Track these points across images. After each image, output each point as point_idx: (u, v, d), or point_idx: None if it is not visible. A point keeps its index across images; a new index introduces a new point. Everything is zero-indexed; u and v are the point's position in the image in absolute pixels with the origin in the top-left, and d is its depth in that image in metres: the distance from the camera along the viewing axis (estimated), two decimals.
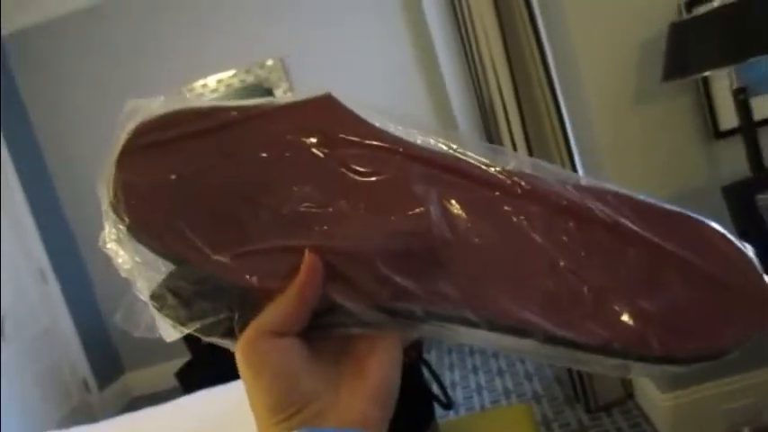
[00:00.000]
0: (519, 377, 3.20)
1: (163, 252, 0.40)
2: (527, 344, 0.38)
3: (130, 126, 0.41)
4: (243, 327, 0.39)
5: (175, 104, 0.43)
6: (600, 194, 0.42)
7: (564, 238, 0.40)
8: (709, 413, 2.25)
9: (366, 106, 0.44)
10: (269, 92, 4.45)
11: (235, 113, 0.42)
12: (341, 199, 0.40)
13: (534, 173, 0.42)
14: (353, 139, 0.42)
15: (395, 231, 0.39)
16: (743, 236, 0.42)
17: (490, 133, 3.20)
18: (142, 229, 0.40)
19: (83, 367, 4.43)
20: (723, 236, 0.41)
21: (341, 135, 0.42)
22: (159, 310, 0.40)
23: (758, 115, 2.05)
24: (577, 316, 0.38)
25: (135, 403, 4.54)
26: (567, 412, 2.74)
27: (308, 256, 0.38)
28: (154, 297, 0.40)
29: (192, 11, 4.44)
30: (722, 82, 2.03)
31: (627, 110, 2.14)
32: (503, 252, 0.39)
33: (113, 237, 0.41)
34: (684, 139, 2.13)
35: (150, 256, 0.40)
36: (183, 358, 4.25)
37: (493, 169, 0.41)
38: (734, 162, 2.03)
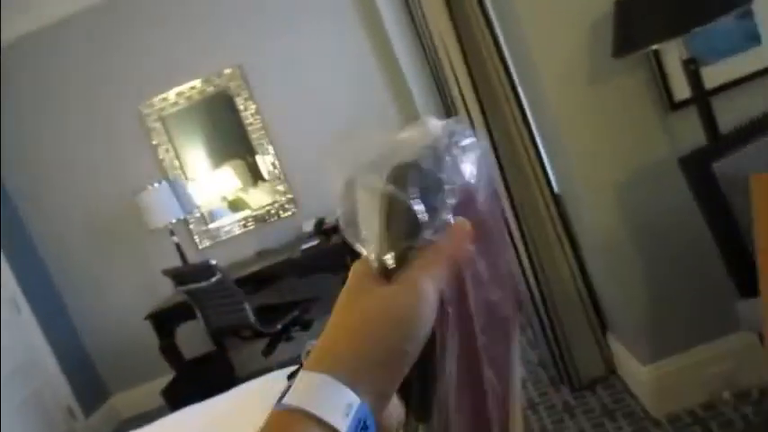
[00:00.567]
0: None
1: None
2: None
3: None
4: None
5: None
6: None
7: None
8: (689, 381, 2.28)
9: None
10: (230, 101, 4.41)
11: None
12: None
13: None
14: None
15: None
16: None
17: None
18: None
19: (66, 395, 4.37)
20: None
21: None
22: None
23: (711, 84, 2.07)
24: None
25: (124, 426, 4.49)
26: (551, 394, 2.76)
27: None
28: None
29: (148, 26, 4.39)
30: (673, 54, 2.05)
31: (582, 88, 2.15)
32: None
33: None
34: (641, 113, 2.15)
35: None
36: (168, 376, 4.22)
37: None
38: (691, 132, 2.05)
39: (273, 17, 4.32)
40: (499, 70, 2.51)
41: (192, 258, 4.43)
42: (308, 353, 0.39)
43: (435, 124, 0.44)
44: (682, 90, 2.08)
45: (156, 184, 4.17)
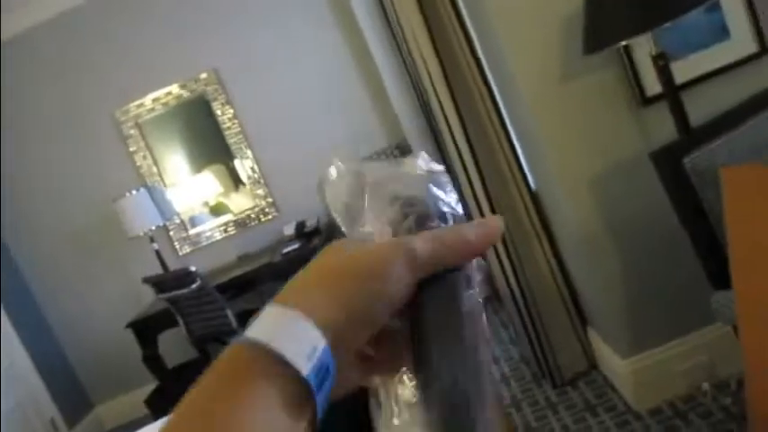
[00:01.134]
0: None
1: None
2: None
3: None
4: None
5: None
6: None
7: None
8: (668, 373, 2.29)
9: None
10: (207, 105, 4.38)
11: None
12: None
13: None
14: None
15: None
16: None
17: (431, 123, 3.21)
18: None
19: (48, 407, 4.32)
20: None
21: None
22: None
23: (681, 78, 2.09)
24: None
25: None
26: (534, 390, 2.77)
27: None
28: None
29: (123, 32, 4.35)
30: (644, 50, 2.06)
31: (555, 85, 2.16)
32: None
33: None
34: (613, 109, 2.17)
35: None
36: (152, 385, 4.19)
37: None
38: (663, 127, 2.07)
39: (249, 21, 4.30)
40: (473, 68, 2.52)
41: (173, 265, 4.40)
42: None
43: (426, 159, 0.44)
44: (653, 85, 2.10)
45: (134, 192, 4.14)
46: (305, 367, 0.33)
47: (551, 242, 2.65)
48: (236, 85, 4.38)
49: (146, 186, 4.33)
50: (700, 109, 2.02)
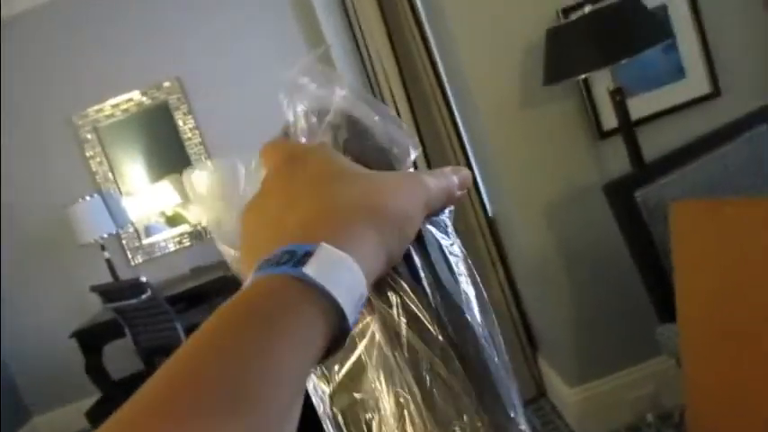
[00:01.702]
0: None
1: None
2: None
3: None
4: None
5: None
6: None
7: None
8: (614, 403, 2.32)
9: None
10: (168, 114, 4.33)
11: None
12: None
13: None
14: None
15: None
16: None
17: None
18: None
19: None
20: None
21: None
22: None
23: (638, 114, 2.15)
24: None
25: None
26: None
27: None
28: None
29: (84, 35, 4.27)
30: (602, 84, 2.11)
31: (515, 114, 2.19)
32: None
33: None
34: (571, 140, 2.20)
35: None
36: (94, 397, 4.07)
37: None
38: (618, 160, 2.11)
39: (214, 30, 4.27)
40: (437, 93, 2.54)
41: (124, 275, 4.30)
42: None
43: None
44: (610, 119, 2.14)
45: (87, 198, 4.04)
46: (351, 315, 0.32)
47: (506, 268, 2.67)
48: (198, 95, 4.33)
49: (100, 193, 4.23)
50: (654, 144, 2.07)
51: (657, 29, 1.85)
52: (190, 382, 0.27)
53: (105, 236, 4.10)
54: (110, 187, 4.38)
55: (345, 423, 0.39)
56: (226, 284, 3.73)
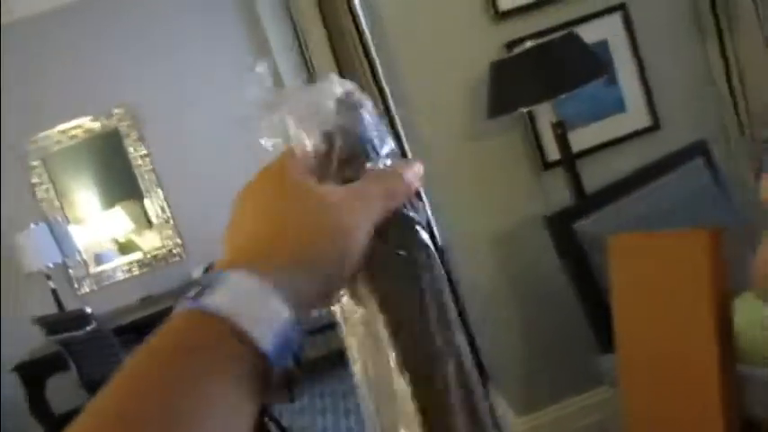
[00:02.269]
0: None
1: None
2: None
3: None
4: None
5: None
6: None
7: None
8: None
9: None
10: (119, 141, 4.26)
11: None
12: None
13: None
14: None
15: None
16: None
17: None
18: None
19: None
20: None
21: None
22: None
23: (580, 146, 2.19)
24: None
25: None
26: None
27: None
28: None
29: (31, 60, 4.19)
30: (546, 116, 2.15)
31: (462, 145, 2.22)
32: None
33: None
34: (516, 172, 2.24)
35: None
36: None
37: None
38: (561, 191, 2.15)
39: (165, 58, 4.24)
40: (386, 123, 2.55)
41: (71, 305, 4.17)
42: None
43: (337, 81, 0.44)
44: (553, 151, 2.18)
45: (32, 226, 3.94)
46: (269, 344, 0.31)
47: (456, 297, 2.68)
48: (150, 123, 4.28)
49: (46, 221, 4.13)
50: (596, 176, 2.12)
51: (596, 64, 1.90)
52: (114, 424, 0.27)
53: (51, 265, 3.99)
54: (57, 215, 4.27)
55: None
56: None
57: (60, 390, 3.95)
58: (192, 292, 0.32)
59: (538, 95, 1.79)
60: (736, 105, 2.27)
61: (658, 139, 2.27)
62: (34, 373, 3.75)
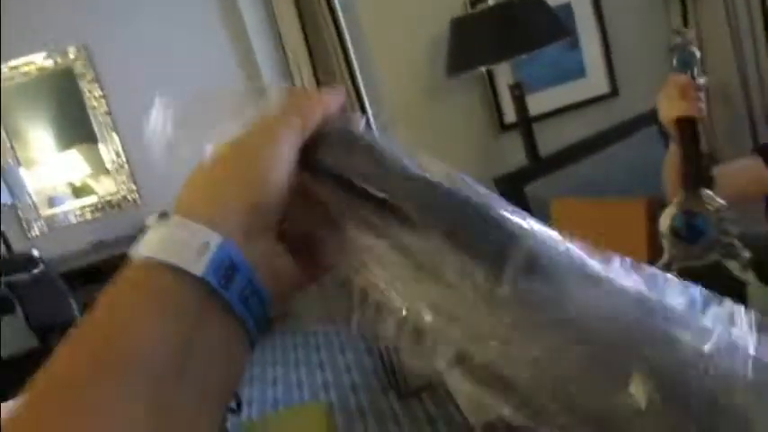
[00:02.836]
0: (339, 369, 3.22)
1: None
2: None
3: None
4: None
5: None
6: None
7: None
8: None
9: None
10: (74, 82, 4.12)
11: None
12: None
13: None
14: None
15: None
16: None
17: None
18: None
19: None
20: None
21: None
22: None
23: (538, 109, 2.19)
24: None
25: None
26: (381, 401, 2.79)
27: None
28: None
29: None
30: (505, 78, 2.13)
31: (420, 103, 2.19)
32: None
33: None
34: (474, 132, 2.23)
35: None
36: None
37: None
38: (517, 153, 2.15)
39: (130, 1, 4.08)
40: (350, 87, 2.51)
41: (21, 248, 4.08)
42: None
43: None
44: (511, 113, 2.18)
45: None
46: (197, 266, 0.31)
47: None
48: (107, 64, 4.13)
49: None
50: (553, 140, 2.12)
51: (558, 27, 1.89)
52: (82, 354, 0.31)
53: None
54: (8, 156, 4.14)
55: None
56: (129, 261, 3.61)
57: (9, 332, 3.89)
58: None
59: (497, 54, 1.77)
60: None
61: (616, 105, 2.28)
62: None
